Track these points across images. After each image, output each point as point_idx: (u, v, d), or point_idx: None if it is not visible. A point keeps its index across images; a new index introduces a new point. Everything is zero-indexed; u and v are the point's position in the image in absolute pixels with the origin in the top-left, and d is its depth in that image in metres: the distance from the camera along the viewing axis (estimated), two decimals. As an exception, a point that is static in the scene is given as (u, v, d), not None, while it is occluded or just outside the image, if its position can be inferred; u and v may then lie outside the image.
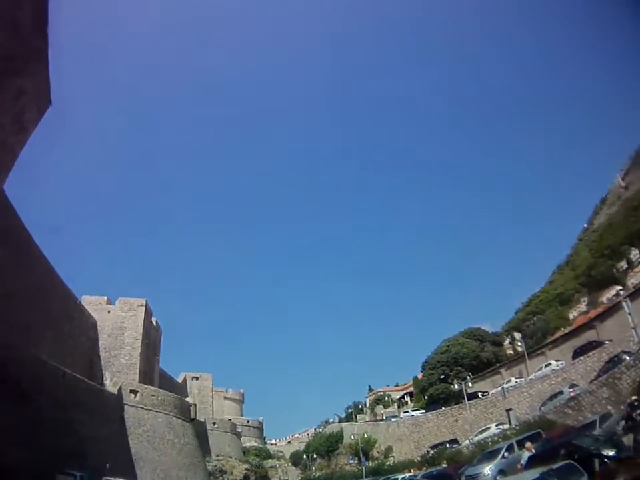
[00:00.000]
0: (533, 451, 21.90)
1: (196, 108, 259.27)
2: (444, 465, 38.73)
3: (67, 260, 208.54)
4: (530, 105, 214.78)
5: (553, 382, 42.87)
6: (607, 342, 40.25)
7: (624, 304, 20.33)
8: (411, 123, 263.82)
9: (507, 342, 73.75)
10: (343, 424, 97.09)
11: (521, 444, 25.44)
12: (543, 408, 38.06)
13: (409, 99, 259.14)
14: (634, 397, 22.47)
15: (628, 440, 18.15)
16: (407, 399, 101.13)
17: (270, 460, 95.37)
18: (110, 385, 56.36)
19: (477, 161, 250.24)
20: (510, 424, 41.36)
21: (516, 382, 51.90)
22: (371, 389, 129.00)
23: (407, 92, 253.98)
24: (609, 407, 26.81)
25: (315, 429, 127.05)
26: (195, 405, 74.12)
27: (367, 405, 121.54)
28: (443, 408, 61.68)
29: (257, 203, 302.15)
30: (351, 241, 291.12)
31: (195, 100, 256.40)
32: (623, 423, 20.86)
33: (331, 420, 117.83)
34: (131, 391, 54.70)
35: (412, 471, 42.38)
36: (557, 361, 46.99)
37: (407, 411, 77.14)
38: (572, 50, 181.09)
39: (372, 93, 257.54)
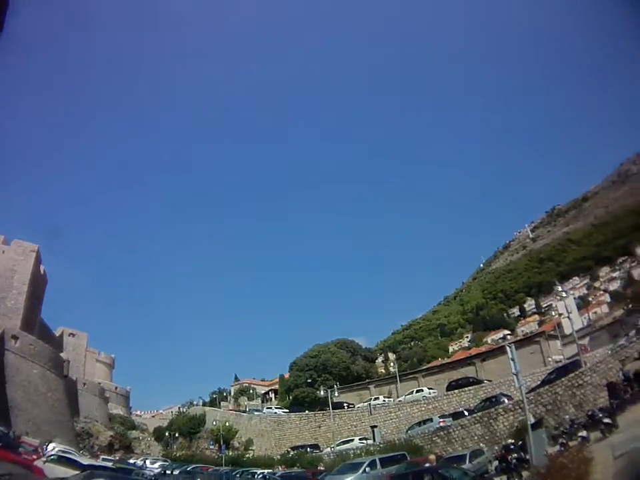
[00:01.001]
0: (434, 463, 21.63)
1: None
2: (302, 469, 38.01)
3: None
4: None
5: (423, 408, 44.07)
6: (486, 381, 42.05)
7: (508, 349, 20.71)
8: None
9: (379, 359, 75.69)
10: (207, 408, 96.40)
11: (384, 462, 25.32)
12: (410, 431, 38.56)
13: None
14: (510, 441, 23.07)
15: (500, 481, 17.93)
16: (272, 395, 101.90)
17: (134, 431, 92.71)
18: None
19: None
20: (374, 440, 41.65)
21: (384, 400, 52.74)
22: (237, 378, 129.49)
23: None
24: (482, 445, 27.46)
25: (179, 407, 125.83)
26: (69, 361, 71.86)
27: (232, 393, 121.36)
28: (307, 412, 62.17)
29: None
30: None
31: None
32: (496, 463, 21.24)
33: (195, 402, 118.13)
34: (13, 337, 52.64)
35: (279, 468, 42.03)
36: (429, 388, 48.40)
37: (271, 408, 77.22)
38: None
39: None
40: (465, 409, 37.21)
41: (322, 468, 33.97)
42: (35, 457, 27.18)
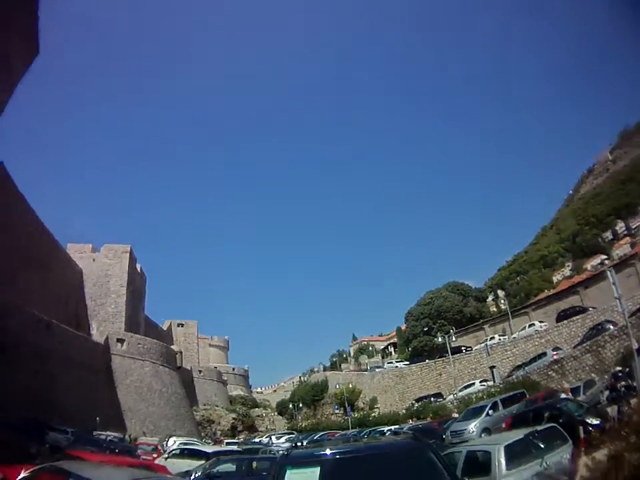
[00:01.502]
0: (570, 394, 22.30)
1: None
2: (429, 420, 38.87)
3: (51, 208, 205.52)
4: (519, 71, 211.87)
5: (536, 343, 44.26)
6: (590, 309, 41.50)
7: (608, 273, 20.82)
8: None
9: (490, 299, 74.92)
10: (328, 373, 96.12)
11: (505, 403, 25.65)
12: (526, 368, 38.92)
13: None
14: (618, 368, 23.48)
15: (612, 411, 18.41)
16: (391, 349, 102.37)
17: (256, 409, 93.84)
18: (97, 335, 55.47)
19: (468, 121, 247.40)
20: (494, 381, 42.65)
21: (499, 339, 52.94)
22: (355, 338, 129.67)
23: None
24: (593, 375, 28.00)
25: (300, 377, 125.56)
26: (181, 352, 72.74)
27: (351, 354, 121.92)
28: (427, 361, 62.64)
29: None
30: (338, 197, 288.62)
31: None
32: (607, 393, 21.67)
33: (315, 368, 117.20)
34: (118, 340, 53.51)
35: (410, 421, 41.83)
36: (540, 322, 48.29)
37: (391, 362, 77.61)
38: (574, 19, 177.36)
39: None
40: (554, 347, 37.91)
41: (455, 415, 33.81)
42: (155, 455, 27.96)
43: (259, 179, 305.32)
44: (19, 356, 29.98)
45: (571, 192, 79.53)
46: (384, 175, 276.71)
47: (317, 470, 5.08)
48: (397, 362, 75.16)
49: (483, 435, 23.80)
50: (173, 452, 25.61)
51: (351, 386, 70.67)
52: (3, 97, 23.68)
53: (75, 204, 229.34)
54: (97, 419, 38.30)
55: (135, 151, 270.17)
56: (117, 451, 25.72)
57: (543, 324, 47.27)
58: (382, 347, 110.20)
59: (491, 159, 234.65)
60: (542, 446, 10.77)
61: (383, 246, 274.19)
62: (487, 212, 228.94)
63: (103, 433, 35.01)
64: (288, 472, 5.28)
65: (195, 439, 42.79)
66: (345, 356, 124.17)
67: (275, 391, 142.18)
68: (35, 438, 21.06)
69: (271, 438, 49.11)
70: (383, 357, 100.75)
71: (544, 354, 38.08)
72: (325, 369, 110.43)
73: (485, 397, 36.72)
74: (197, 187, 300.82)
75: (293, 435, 48.29)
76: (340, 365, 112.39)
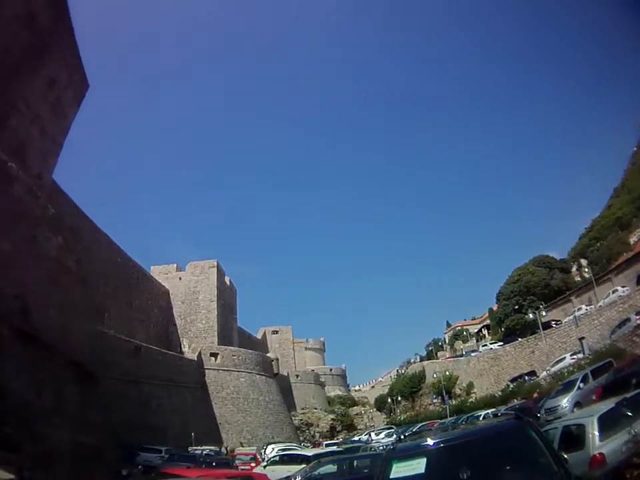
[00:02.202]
0: None
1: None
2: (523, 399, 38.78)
3: (129, 232, 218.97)
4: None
5: (620, 309, 43.23)
6: (669, 268, 40.73)
7: None
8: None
9: (574, 269, 73.42)
10: (425, 362, 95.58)
11: (594, 374, 25.67)
12: (612, 336, 38.47)
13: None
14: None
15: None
16: (485, 332, 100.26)
17: (355, 407, 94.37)
18: (189, 352, 56.15)
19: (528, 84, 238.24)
20: (583, 353, 42.12)
21: (586, 309, 52.08)
22: (448, 325, 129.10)
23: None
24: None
25: (397, 370, 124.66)
26: (277, 359, 73.19)
27: (446, 341, 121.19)
28: (520, 339, 61.95)
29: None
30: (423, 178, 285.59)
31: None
32: None
33: (412, 359, 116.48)
34: (211, 354, 54.18)
35: (515, 400, 41.29)
36: (622, 287, 47.12)
37: (486, 345, 77.13)
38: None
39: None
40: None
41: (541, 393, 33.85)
42: (253, 464, 27.96)
43: (334, 175, 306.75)
44: (110, 381, 30.18)
45: (635, 149, 76.18)
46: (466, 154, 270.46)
47: (423, 460, 5.21)
48: (490, 344, 74.63)
49: (575, 410, 23.50)
50: (272, 459, 25.63)
51: (447, 373, 70.70)
52: (59, 137, 23.80)
53: (152, 228, 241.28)
54: (192, 434, 38.92)
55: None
56: (213, 464, 25.73)
57: (624, 288, 46.09)
58: (475, 331, 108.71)
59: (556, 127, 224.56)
60: (630, 414, 10.96)
61: (468, 227, 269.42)
62: (562, 177, 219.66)
63: (199, 447, 35.63)
64: (394, 465, 5.44)
65: (294, 444, 43.20)
66: (440, 344, 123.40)
67: (372, 387, 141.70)
68: (126, 460, 21.87)
69: (370, 435, 48.80)
70: (477, 340, 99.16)
71: (628, 320, 37.38)
72: (421, 359, 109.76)
73: (575, 370, 36.39)
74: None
75: (392, 430, 47.16)
76: (436, 354, 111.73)
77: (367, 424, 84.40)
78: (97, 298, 36.00)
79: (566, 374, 37.70)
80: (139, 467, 21.92)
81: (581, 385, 25.29)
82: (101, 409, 18.51)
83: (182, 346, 60.67)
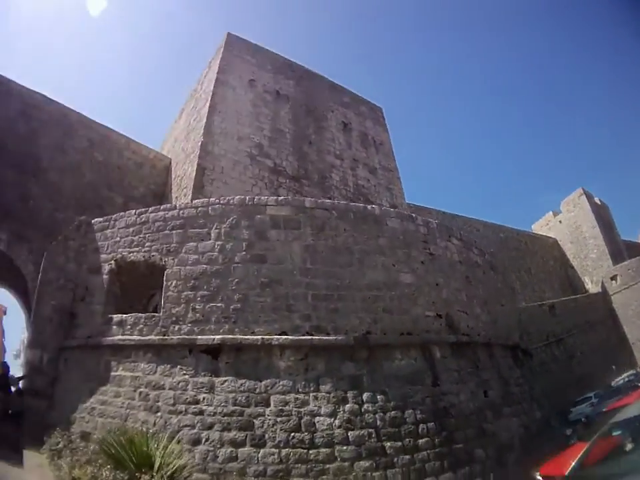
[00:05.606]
0: None
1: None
2: None
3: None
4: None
5: None
6: None
7: None
8: None
9: None
10: None
11: None
12: None
13: None
14: None
15: None
16: None
17: None
18: (592, 287, 54.58)
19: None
20: None
21: None
22: None
23: None
24: None
25: None
26: None
27: None
28: None
29: None
30: None
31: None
32: None
33: None
34: (611, 279, 50.57)
35: None
36: None
37: None
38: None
39: None
40: None
41: None
42: None
43: None
44: (535, 350, 28.49)
45: None
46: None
47: None
48: None
49: None
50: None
51: None
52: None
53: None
54: (613, 367, 36.00)
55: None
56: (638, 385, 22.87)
57: None
58: None
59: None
60: None
61: None
62: None
63: (617, 379, 32.92)
64: None
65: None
66: None
67: None
68: (562, 421, 20.45)
69: None
70: None
71: None
72: None
73: None
74: None
75: None
76: None
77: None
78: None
79: None
80: (582, 419, 19.02)
81: None
82: (537, 380, 18.52)
83: (585, 284, 58.60)
